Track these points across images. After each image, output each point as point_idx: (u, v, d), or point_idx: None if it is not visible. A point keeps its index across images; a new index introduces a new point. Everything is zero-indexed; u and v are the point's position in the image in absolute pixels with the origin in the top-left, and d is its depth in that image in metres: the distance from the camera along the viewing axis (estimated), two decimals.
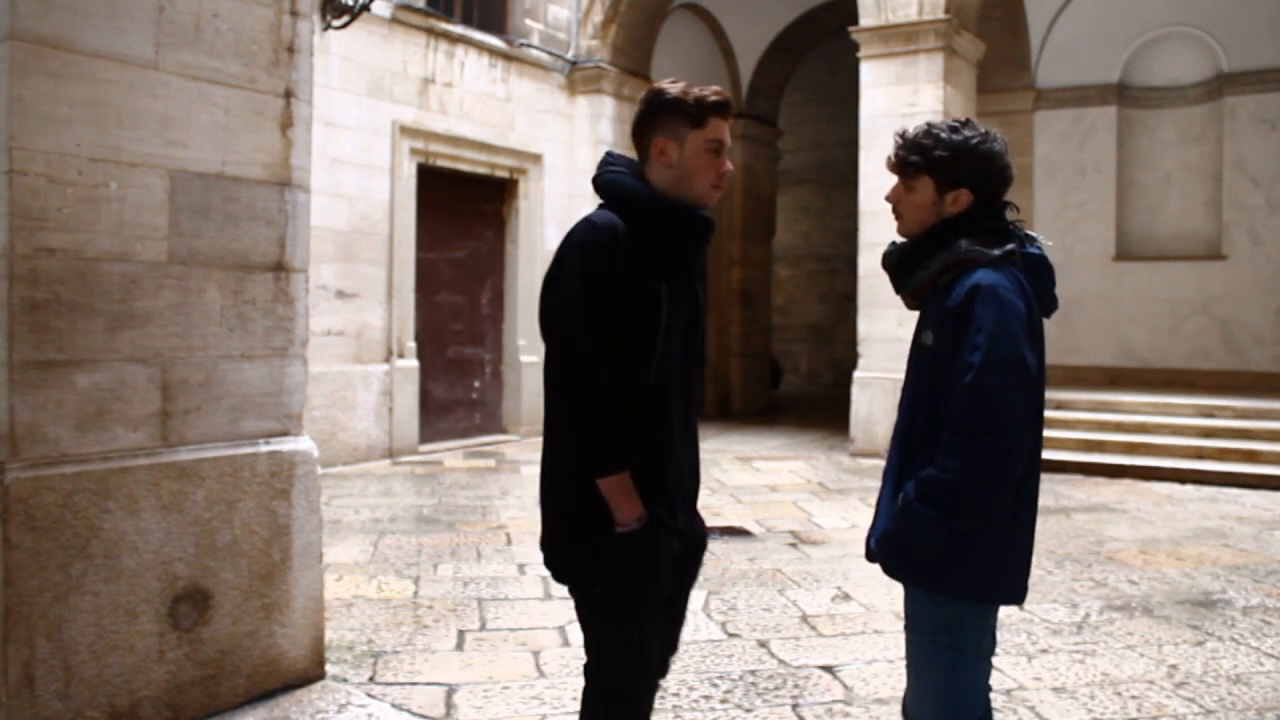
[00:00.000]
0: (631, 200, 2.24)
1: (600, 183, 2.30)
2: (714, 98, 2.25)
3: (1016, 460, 1.97)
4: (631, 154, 2.38)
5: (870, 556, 2.22)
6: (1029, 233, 2.19)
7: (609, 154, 2.37)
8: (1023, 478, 2.03)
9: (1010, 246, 2.10)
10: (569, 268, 2.15)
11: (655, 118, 2.27)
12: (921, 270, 2.16)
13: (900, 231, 2.25)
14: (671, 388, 2.25)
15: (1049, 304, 2.17)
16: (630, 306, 2.16)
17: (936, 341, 2.08)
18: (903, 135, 2.21)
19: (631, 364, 2.17)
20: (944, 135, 2.14)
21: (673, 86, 2.27)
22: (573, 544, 2.21)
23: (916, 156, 2.16)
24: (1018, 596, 2.13)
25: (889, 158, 2.23)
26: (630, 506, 2.15)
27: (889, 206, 2.26)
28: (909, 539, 2.07)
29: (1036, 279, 2.13)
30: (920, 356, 2.14)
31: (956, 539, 2.02)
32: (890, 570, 2.16)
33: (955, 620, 2.07)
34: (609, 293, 2.13)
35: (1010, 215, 2.21)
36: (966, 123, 2.19)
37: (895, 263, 2.23)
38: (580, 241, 2.16)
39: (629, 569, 2.16)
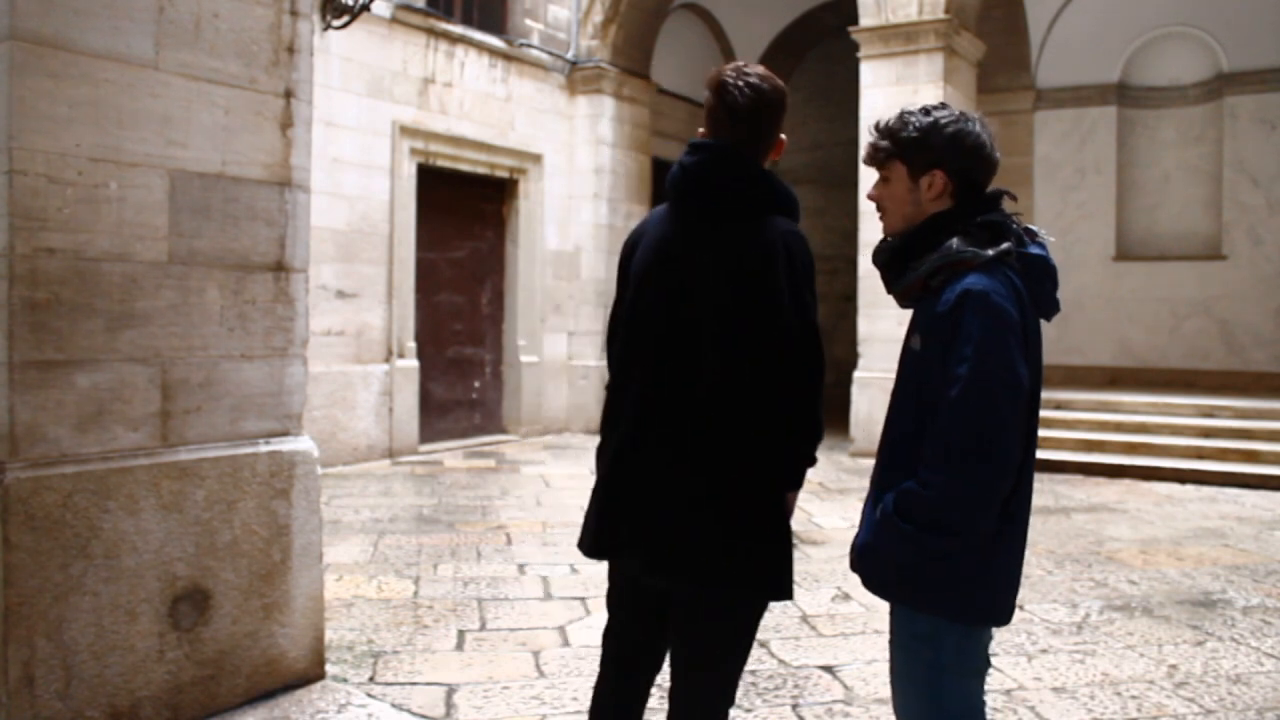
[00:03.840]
0: (796, 211, 2.30)
1: (779, 188, 2.27)
2: None
3: (1003, 478, 1.87)
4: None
5: (853, 566, 2.11)
6: (1030, 227, 2.05)
7: (725, 146, 2.26)
8: (1010, 494, 1.92)
9: (1006, 246, 1.95)
10: (808, 283, 2.20)
11: (783, 114, 2.30)
12: (911, 271, 2.02)
13: (886, 230, 2.14)
14: None
15: (1048, 307, 2.02)
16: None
17: (925, 347, 1.95)
18: (877, 125, 2.12)
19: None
20: (913, 118, 2.05)
21: (780, 80, 2.32)
22: (755, 549, 2.21)
23: (886, 142, 2.07)
24: (997, 618, 2.01)
25: (864, 151, 2.14)
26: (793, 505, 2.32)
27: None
28: (885, 553, 1.97)
29: (1035, 281, 1.98)
30: (908, 361, 2.03)
31: (933, 556, 1.92)
32: (867, 583, 2.07)
33: (934, 636, 1.98)
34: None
35: (1008, 206, 2.08)
36: (941, 106, 2.08)
37: (886, 261, 2.10)
38: (807, 258, 2.21)
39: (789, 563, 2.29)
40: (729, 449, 2.18)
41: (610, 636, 2.49)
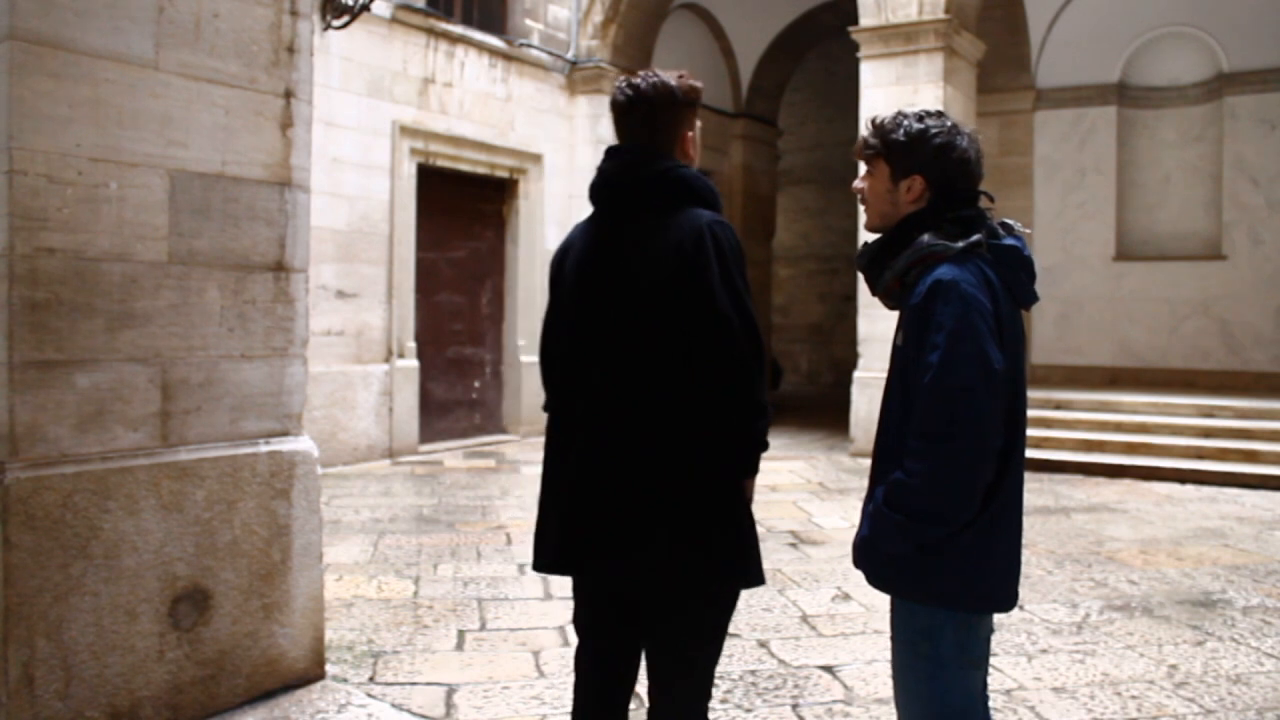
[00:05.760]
0: (717, 201, 2.34)
1: (695, 180, 2.31)
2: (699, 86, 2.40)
3: (982, 462, 1.89)
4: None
5: (855, 563, 2.14)
6: (1006, 221, 2.09)
7: (634, 147, 2.34)
8: (997, 479, 1.95)
9: (976, 238, 1.99)
10: (738, 268, 2.21)
11: (688, 111, 2.36)
12: (888, 270, 2.08)
13: (866, 225, 2.21)
14: None
15: (1025, 297, 2.06)
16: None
17: (905, 341, 2.00)
18: (873, 120, 2.17)
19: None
20: (906, 122, 2.09)
21: (680, 80, 2.36)
22: (716, 540, 2.21)
23: (876, 139, 2.12)
24: (997, 604, 2.03)
25: (856, 143, 2.19)
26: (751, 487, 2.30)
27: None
28: (881, 545, 2.00)
29: (1008, 271, 2.02)
30: (894, 357, 2.07)
31: (926, 545, 1.94)
32: (869, 578, 2.09)
33: (933, 628, 1.99)
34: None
35: (983, 204, 2.12)
36: (938, 114, 2.12)
37: (866, 264, 2.16)
38: (735, 244, 2.25)
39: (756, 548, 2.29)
40: (677, 445, 2.19)
41: (584, 660, 2.46)
